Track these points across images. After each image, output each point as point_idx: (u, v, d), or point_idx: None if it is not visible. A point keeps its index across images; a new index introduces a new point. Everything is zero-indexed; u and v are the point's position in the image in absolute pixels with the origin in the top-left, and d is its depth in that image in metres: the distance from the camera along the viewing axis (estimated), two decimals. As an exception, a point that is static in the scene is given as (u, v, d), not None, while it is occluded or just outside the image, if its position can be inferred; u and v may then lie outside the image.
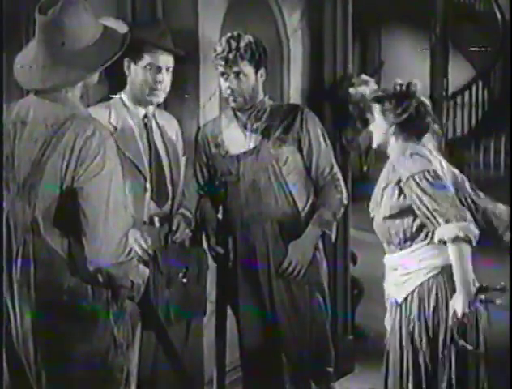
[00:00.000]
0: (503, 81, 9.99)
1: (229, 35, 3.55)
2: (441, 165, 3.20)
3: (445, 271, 3.08)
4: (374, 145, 3.31)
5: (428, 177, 3.07)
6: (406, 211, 3.11)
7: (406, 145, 3.18)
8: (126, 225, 2.63)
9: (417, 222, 3.11)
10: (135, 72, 3.36)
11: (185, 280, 3.36)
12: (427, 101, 3.24)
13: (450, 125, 9.82)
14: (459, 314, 3.01)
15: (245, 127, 3.63)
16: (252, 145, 3.60)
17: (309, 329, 3.65)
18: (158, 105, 3.48)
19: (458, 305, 3.02)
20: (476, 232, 3.03)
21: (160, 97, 3.40)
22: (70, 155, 2.54)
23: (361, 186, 5.46)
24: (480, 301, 3.08)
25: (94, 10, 2.68)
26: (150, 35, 3.36)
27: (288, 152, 3.60)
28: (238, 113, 3.64)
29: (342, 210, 3.74)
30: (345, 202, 3.73)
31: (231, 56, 3.50)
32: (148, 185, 3.34)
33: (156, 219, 3.34)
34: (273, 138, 3.59)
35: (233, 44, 3.50)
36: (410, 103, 3.18)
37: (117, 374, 2.71)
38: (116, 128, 3.30)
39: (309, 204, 3.66)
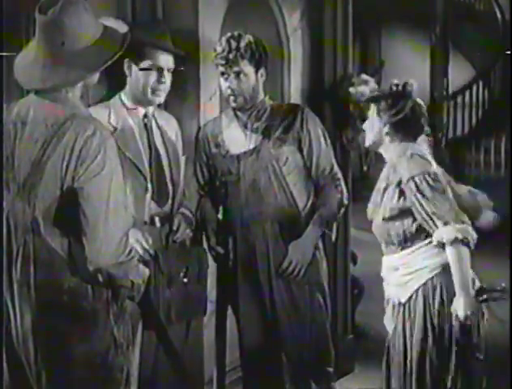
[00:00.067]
0: (503, 81, 9.98)
1: (229, 35, 3.55)
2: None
3: (448, 268, 3.08)
4: (367, 144, 3.31)
5: (429, 179, 3.07)
6: (406, 212, 3.12)
7: (406, 145, 3.18)
8: (126, 225, 2.63)
9: (417, 222, 3.11)
10: (136, 73, 3.35)
11: (185, 280, 3.36)
12: (422, 102, 3.25)
13: (450, 125, 9.82)
14: (462, 317, 3.01)
15: (245, 127, 3.63)
16: (252, 145, 3.60)
17: (309, 329, 3.65)
18: (158, 105, 3.48)
19: (459, 308, 3.02)
20: (475, 235, 3.04)
21: (162, 97, 3.40)
22: (70, 155, 2.54)
23: (361, 186, 5.47)
24: (481, 301, 3.08)
25: (94, 10, 2.68)
26: (150, 36, 3.36)
27: (289, 152, 3.60)
28: (238, 113, 3.64)
29: (342, 210, 3.74)
30: (345, 202, 3.73)
31: (231, 56, 3.50)
32: (149, 186, 3.34)
33: (157, 219, 3.34)
34: (273, 138, 3.59)
35: (233, 44, 3.50)
36: (405, 103, 3.18)
37: (117, 374, 2.71)
38: (115, 128, 3.29)
39: (309, 204, 3.66)
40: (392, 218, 3.14)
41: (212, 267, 3.64)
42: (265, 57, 3.59)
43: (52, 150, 2.55)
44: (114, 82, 3.38)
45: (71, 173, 2.54)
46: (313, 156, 3.64)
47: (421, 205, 3.05)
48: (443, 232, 3.02)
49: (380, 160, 3.48)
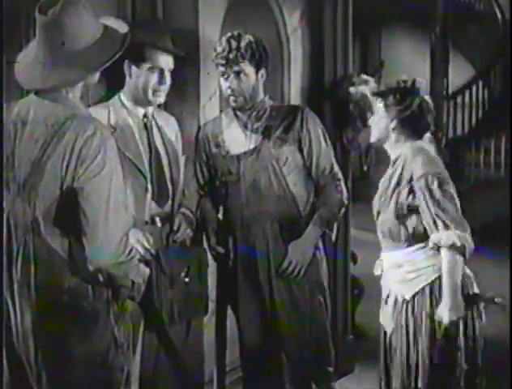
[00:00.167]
0: (503, 81, 9.98)
1: (230, 34, 3.54)
2: None
3: None
4: (372, 139, 3.31)
5: (440, 180, 3.07)
6: (415, 210, 3.11)
7: (420, 144, 3.18)
8: (127, 225, 2.63)
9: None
10: (137, 74, 3.35)
11: (187, 280, 3.36)
12: (429, 100, 3.24)
13: (450, 125, 9.82)
14: (446, 323, 3.02)
15: (245, 127, 3.63)
16: (252, 145, 3.60)
17: (309, 328, 3.65)
18: (158, 105, 3.48)
19: (444, 313, 3.03)
20: (472, 245, 3.04)
21: (162, 98, 3.40)
22: (70, 155, 2.54)
23: (361, 186, 5.47)
24: (471, 306, 3.08)
25: (94, 10, 2.68)
26: (151, 36, 3.36)
27: (289, 152, 3.60)
28: (239, 113, 3.64)
29: (342, 210, 3.74)
30: (345, 201, 3.73)
31: (231, 56, 3.49)
32: (149, 186, 3.34)
33: (157, 218, 3.34)
34: (273, 138, 3.59)
35: (234, 43, 3.50)
36: (414, 99, 3.18)
37: (117, 374, 2.71)
38: (115, 128, 3.29)
39: (309, 204, 3.66)
40: (402, 214, 3.13)
41: (212, 266, 3.64)
42: (265, 57, 3.59)
43: (52, 150, 2.55)
44: (114, 82, 3.38)
45: (71, 173, 2.54)
46: (313, 155, 3.64)
47: (427, 204, 3.05)
48: (442, 236, 3.03)
49: (380, 160, 3.48)
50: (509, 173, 8.30)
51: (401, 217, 3.13)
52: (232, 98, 3.57)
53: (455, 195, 3.10)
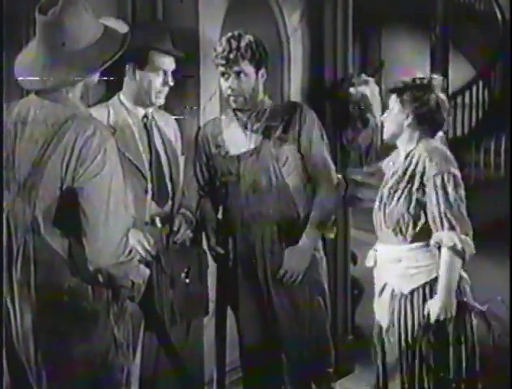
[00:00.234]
0: (503, 81, 9.98)
1: (230, 35, 3.54)
2: None
3: None
4: (385, 136, 3.28)
5: (456, 181, 3.08)
6: (423, 208, 3.11)
7: (435, 143, 3.18)
8: (127, 225, 2.63)
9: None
10: (141, 77, 3.35)
11: (187, 280, 3.36)
12: (445, 98, 3.24)
13: (450, 125, 9.82)
14: (433, 318, 3.02)
15: (245, 127, 3.63)
16: (252, 145, 3.60)
17: (308, 329, 3.65)
18: (158, 106, 3.48)
19: (434, 309, 3.03)
20: (473, 250, 3.04)
21: (162, 99, 3.41)
22: (70, 155, 2.54)
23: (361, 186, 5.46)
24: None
25: (94, 10, 2.68)
26: (154, 40, 3.36)
27: (289, 151, 3.59)
28: (238, 113, 3.63)
29: (337, 208, 3.69)
30: (340, 194, 3.68)
31: (232, 56, 3.49)
32: (149, 186, 3.34)
33: (158, 219, 3.34)
34: (273, 138, 3.59)
35: (234, 43, 3.49)
36: (431, 96, 3.17)
37: (117, 374, 2.71)
38: (115, 129, 3.30)
39: (308, 206, 3.64)
40: (413, 210, 3.12)
41: (212, 267, 3.64)
42: (265, 57, 3.59)
43: (52, 150, 2.55)
44: (113, 82, 3.38)
45: (71, 173, 2.54)
46: (306, 148, 3.60)
47: (438, 202, 3.05)
48: (445, 236, 3.03)
49: (380, 159, 3.47)
50: (510, 173, 8.31)
51: (412, 213, 3.12)
52: (232, 98, 3.57)
53: (464, 197, 3.11)
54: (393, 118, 3.22)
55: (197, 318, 3.54)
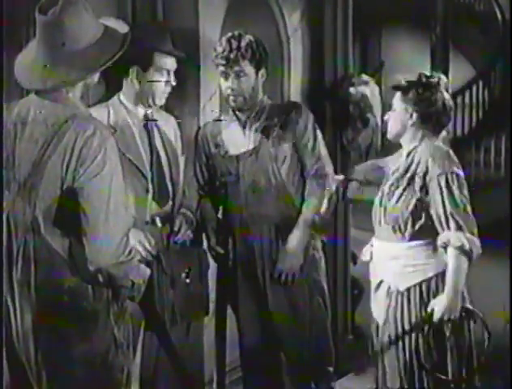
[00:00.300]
0: (503, 81, 9.98)
1: (230, 34, 3.53)
2: None
3: None
4: (389, 135, 3.26)
5: (460, 181, 3.08)
6: (424, 207, 3.10)
7: (438, 143, 3.16)
8: (127, 225, 2.63)
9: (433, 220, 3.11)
10: (145, 78, 3.35)
11: (188, 281, 3.37)
12: (449, 97, 3.22)
13: (451, 125, 9.81)
14: (437, 316, 3.01)
15: (244, 127, 3.62)
16: (252, 145, 3.59)
17: (308, 329, 3.64)
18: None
19: (439, 306, 3.03)
20: (479, 250, 3.03)
21: (164, 99, 3.42)
22: (70, 155, 2.54)
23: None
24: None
25: (94, 10, 2.68)
26: (157, 41, 3.36)
27: (287, 151, 3.58)
28: (238, 113, 3.63)
29: (328, 204, 3.67)
30: (332, 191, 3.63)
31: (232, 55, 3.48)
32: (150, 186, 3.35)
33: (158, 219, 3.35)
34: (272, 137, 3.58)
35: (234, 43, 3.48)
36: (437, 95, 3.15)
37: (117, 374, 2.71)
38: (115, 129, 3.30)
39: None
40: (413, 208, 3.11)
41: (213, 267, 3.64)
42: (265, 57, 3.58)
43: (52, 150, 2.55)
44: (113, 83, 3.38)
45: (71, 173, 2.54)
46: (300, 144, 3.59)
47: (443, 202, 3.05)
48: (452, 236, 3.02)
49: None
50: (510, 173, 8.31)
51: (413, 210, 3.11)
52: (231, 98, 3.56)
53: (468, 196, 3.10)
54: (397, 117, 3.20)
55: (197, 318, 3.54)
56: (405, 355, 3.14)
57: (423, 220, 3.11)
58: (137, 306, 2.99)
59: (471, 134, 9.95)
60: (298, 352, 3.67)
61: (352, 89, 4.55)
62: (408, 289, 3.14)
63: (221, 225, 3.69)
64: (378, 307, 3.25)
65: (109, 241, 2.56)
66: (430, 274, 3.11)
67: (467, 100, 9.95)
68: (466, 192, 3.09)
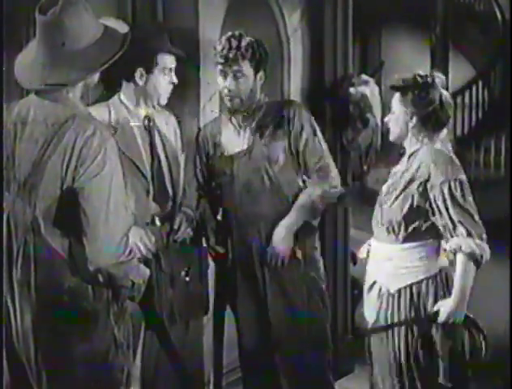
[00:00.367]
0: (503, 81, 9.98)
1: (230, 34, 3.51)
2: None
3: (442, 276, 3.10)
4: (392, 138, 3.23)
5: (463, 187, 3.05)
6: (421, 212, 3.09)
7: (439, 147, 3.13)
8: (127, 225, 2.63)
9: (428, 223, 3.09)
10: (149, 79, 3.35)
11: (187, 279, 3.37)
12: (448, 93, 3.19)
13: (450, 125, 9.81)
14: (442, 319, 3.01)
15: (239, 127, 3.61)
16: (246, 145, 3.58)
17: (307, 329, 3.63)
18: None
19: (445, 308, 3.02)
20: (488, 257, 3.02)
21: (166, 99, 3.42)
22: (70, 155, 2.54)
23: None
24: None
25: (94, 11, 2.68)
26: (159, 41, 3.36)
27: (280, 150, 3.56)
28: (234, 113, 3.60)
29: (332, 198, 3.65)
30: (337, 185, 3.63)
31: (231, 54, 3.46)
32: (150, 186, 3.35)
33: (157, 218, 3.35)
34: (265, 136, 3.56)
35: (234, 42, 3.46)
36: (435, 94, 3.11)
37: (117, 374, 2.71)
38: (116, 129, 3.30)
39: None
40: (408, 212, 3.10)
41: (211, 266, 3.64)
42: (265, 58, 3.56)
43: (52, 150, 2.55)
44: (111, 83, 3.38)
45: (71, 173, 2.54)
46: (300, 144, 3.56)
47: (448, 210, 3.02)
48: (463, 242, 3.00)
49: (380, 160, 3.47)
50: (510, 173, 8.31)
51: (407, 214, 3.11)
52: (228, 98, 3.53)
53: (473, 203, 3.08)
54: (397, 120, 3.17)
55: (196, 318, 3.54)
56: (395, 356, 3.14)
57: (417, 223, 3.10)
58: (137, 306, 2.99)
59: (471, 134, 9.95)
60: (296, 353, 3.64)
61: (351, 89, 4.55)
62: (399, 291, 3.13)
63: (220, 226, 3.69)
64: (370, 308, 3.25)
65: (109, 241, 2.56)
66: (421, 277, 3.10)
67: (466, 100, 9.95)
68: (471, 198, 3.06)
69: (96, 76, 2.72)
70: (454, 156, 3.14)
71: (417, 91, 3.11)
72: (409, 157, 3.18)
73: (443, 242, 3.10)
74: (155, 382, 3.48)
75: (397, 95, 3.18)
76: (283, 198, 3.59)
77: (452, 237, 3.03)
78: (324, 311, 3.70)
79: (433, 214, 3.06)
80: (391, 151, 3.44)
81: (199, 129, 3.77)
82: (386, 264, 3.18)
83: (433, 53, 9.53)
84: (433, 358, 3.08)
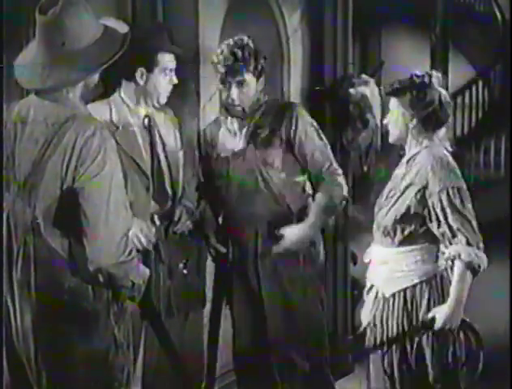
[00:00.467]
0: (503, 81, 9.98)
1: (232, 42, 3.48)
2: None
3: (437, 281, 3.09)
4: (391, 140, 3.20)
5: (462, 194, 3.03)
6: (418, 217, 3.08)
7: (438, 152, 3.10)
8: (127, 225, 2.63)
9: (424, 228, 3.08)
10: (149, 79, 3.35)
11: (185, 271, 3.37)
12: (445, 92, 3.15)
13: (450, 125, 9.80)
14: (438, 325, 3.00)
15: (236, 128, 3.60)
16: (240, 147, 3.58)
17: (304, 329, 3.62)
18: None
19: (440, 315, 3.01)
20: (485, 265, 3.01)
21: (167, 97, 3.43)
22: (70, 155, 2.54)
23: (361, 186, 5.47)
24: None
25: (94, 11, 2.68)
26: (159, 40, 3.37)
27: (275, 154, 3.55)
28: (233, 117, 3.59)
29: (343, 202, 3.66)
30: (346, 194, 3.64)
31: (236, 66, 3.45)
32: (151, 185, 3.35)
33: (156, 217, 3.35)
34: (260, 140, 3.54)
35: (239, 53, 3.44)
36: (433, 94, 3.08)
37: (117, 374, 2.71)
38: (117, 127, 3.31)
39: (302, 200, 3.62)
40: (403, 216, 3.08)
41: (210, 266, 3.64)
42: (265, 65, 3.55)
43: (52, 150, 2.55)
44: (110, 82, 3.38)
45: (72, 173, 2.54)
46: (307, 154, 3.56)
47: (446, 218, 3.00)
48: (462, 251, 2.98)
49: (380, 160, 3.47)
50: (510, 173, 8.30)
51: (402, 218, 3.10)
52: (230, 107, 3.53)
53: (472, 210, 3.06)
54: (396, 122, 3.14)
55: (194, 310, 3.53)
56: (389, 358, 3.13)
57: (413, 227, 3.09)
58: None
59: (471, 134, 9.94)
60: (292, 353, 3.63)
61: (351, 89, 4.56)
62: (393, 295, 3.12)
63: (220, 226, 3.69)
64: (366, 311, 3.25)
65: (109, 241, 2.56)
66: (416, 280, 3.09)
67: (466, 100, 9.94)
68: (470, 205, 3.03)
69: (96, 76, 2.72)
70: (452, 161, 3.11)
71: (415, 93, 3.08)
72: (408, 161, 3.16)
73: (442, 246, 3.09)
74: (155, 382, 3.48)
75: (394, 97, 3.15)
76: (280, 197, 3.57)
77: (451, 244, 3.02)
78: (321, 311, 3.68)
79: (431, 220, 3.05)
80: (391, 152, 3.43)
81: (199, 131, 3.76)
82: (383, 268, 3.18)
83: (433, 53, 9.52)
84: (423, 364, 3.08)
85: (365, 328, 3.24)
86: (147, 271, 2.77)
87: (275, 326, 3.60)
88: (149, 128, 3.40)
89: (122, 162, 2.69)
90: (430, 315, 3.03)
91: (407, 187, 3.10)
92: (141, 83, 3.35)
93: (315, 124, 3.64)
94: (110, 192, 2.56)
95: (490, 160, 9.51)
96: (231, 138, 3.61)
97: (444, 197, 3.01)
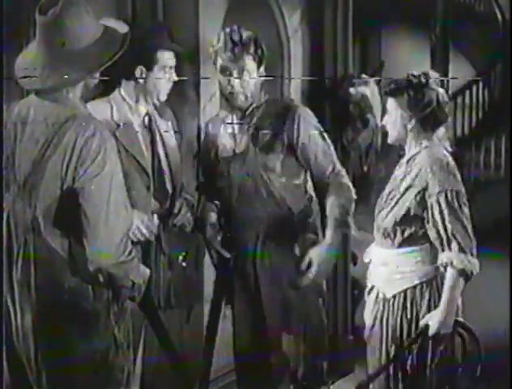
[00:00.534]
0: (503, 81, 9.98)
1: (228, 29, 3.44)
2: None
3: (437, 281, 3.08)
4: (390, 141, 3.19)
5: (460, 199, 3.02)
6: (418, 219, 3.07)
7: (438, 153, 3.08)
8: (127, 225, 2.63)
9: (424, 229, 3.08)
10: (149, 77, 3.36)
11: (184, 264, 3.37)
12: (443, 90, 3.13)
13: (451, 125, 9.80)
14: (432, 331, 3.00)
15: (237, 129, 3.58)
16: (241, 149, 3.55)
17: (304, 329, 3.62)
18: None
19: (433, 321, 3.00)
20: (478, 271, 2.99)
21: (167, 95, 3.43)
22: (70, 155, 2.54)
23: (361, 186, 5.47)
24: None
25: (94, 11, 2.68)
26: (159, 38, 3.37)
27: (276, 159, 3.53)
28: (233, 113, 3.58)
29: (353, 205, 3.66)
30: (354, 197, 3.61)
31: (237, 50, 3.41)
32: (151, 183, 3.36)
33: (156, 216, 3.36)
34: (261, 143, 3.51)
35: (236, 37, 3.41)
36: (431, 94, 3.06)
37: (117, 374, 2.71)
38: (118, 125, 3.31)
39: (304, 202, 3.61)
40: (403, 217, 3.08)
41: (209, 264, 3.64)
42: (265, 53, 3.52)
43: (52, 150, 2.56)
44: (112, 81, 3.38)
45: (72, 173, 2.55)
46: (311, 157, 3.53)
47: (443, 221, 3.00)
48: (455, 258, 2.97)
49: (380, 160, 3.47)
50: (510, 173, 8.31)
51: (402, 220, 3.09)
52: (233, 95, 3.50)
53: (468, 215, 3.04)
54: (394, 123, 3.13)
55: (192, 303, 3.53)
56: (387, 360, 3.14)
57: (413, 228, 3.08)
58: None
59: (471, 134, 9.94)
60: (292, 354, 3.63)
61: (351, 89, 4.56)
62: (394, 296, 3.12)
63: (220, 228, 3.68)
64: (367, 312, 3.25)
65: (109, 241, 2.56)
66: (417, 281, 3.09)
67: (467, 100, 9.94)
68: (467, 210, 3.02)
69: (96, 76, 2.72)
70: (452, 163, 3.10)
71: (412, 93, 3.07)
72: (408, 161, 3.15)
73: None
74: (155, 382, 3.48)
75: (391, 97, 3.15)
76: (280, 199, 3.55)
77: (443, 250, 3.01)
78: (321, 311, 3.68)
79: (428, 222, 3.05)
80: (391, 152, 3.43)
81: (199, 131, 3.76)
82: (383, 269, 3.18)
83: (433, 53, 9.52)
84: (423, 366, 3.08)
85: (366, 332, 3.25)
86: (147, 270, 2.77)
87: (275, 326, 3.60)
88: (149, 126, 3.41)
89: (123, 161, 2.69)
90: (423, 322, 3.04)
91: (406, 189, 3.10)
92: (140, 81, 3.35)
93: (317, 123, 3.61)
94: (110, 192, 2.56)
95: (490, 160, 9.50)
96: (231, 140, 3.59)
97: (442, 199, 3.00)
